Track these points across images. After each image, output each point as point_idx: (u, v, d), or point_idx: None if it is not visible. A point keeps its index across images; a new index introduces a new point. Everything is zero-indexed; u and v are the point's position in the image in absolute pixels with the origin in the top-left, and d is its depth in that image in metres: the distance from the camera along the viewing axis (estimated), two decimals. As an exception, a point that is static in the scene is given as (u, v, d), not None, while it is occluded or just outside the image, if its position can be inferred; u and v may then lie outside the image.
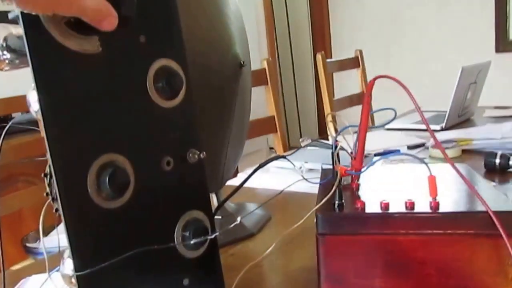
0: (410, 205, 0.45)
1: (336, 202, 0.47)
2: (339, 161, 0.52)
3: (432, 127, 1.42)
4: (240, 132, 0.77)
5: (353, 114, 1.96)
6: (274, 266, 0.63)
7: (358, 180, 0.52)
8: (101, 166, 0.38)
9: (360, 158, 0.51)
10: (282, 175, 1.02)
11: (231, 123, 0.72)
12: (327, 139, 1.38)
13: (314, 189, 0.88)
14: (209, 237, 0.43)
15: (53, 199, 0.39)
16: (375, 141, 1.37)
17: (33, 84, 0.35)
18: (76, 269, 0.37)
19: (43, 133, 0.36)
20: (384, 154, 1.19)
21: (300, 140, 1.17)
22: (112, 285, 0.39)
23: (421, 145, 1.25)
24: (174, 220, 0.44)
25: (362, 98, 1.86)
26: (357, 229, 0.45)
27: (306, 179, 0.55)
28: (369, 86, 0.47)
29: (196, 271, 0.45)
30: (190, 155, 0.44)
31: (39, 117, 0.37)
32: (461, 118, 1.49)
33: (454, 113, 1.40)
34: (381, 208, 0.45)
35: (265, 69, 1.32)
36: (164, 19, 0.42)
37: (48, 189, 0.39)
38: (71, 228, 0.37)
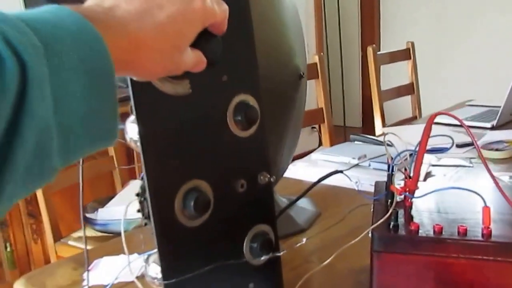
0: (463, 231, 0.48)
1: (392, 223, 0.51)
2: (392, 181, 0.56)
3: (483, 124, 1.40)
4: (295, 134, 0.81)
5: (401, 104, 1.96)
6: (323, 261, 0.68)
7: (411, 199, 0.56)
8: (187, 191, 0.43)
9: (416, 180, 0.54)
10: (329, 169, 1.06)
11: (288, 128, 0.76)
12: (373, 133, 1.40)
13: (361, 186, 0.92)
14: (278, 254, 0.49)
15: (145, 217, 0.45)
16: (418, 134, 1.37)
17: (133, 117, 0.41)
18: (164, 277, 0.43)
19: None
20: (432, 151, 1.20)
21: (351, 136, 1.20)
22: (191, 290, 0.45)
23: (470, 144, 1.25)
24: (244, 233, 0.49)
25: (412, 91, 1.84)
26: (410, 249, 0.49)
27: (361, 193, 0.59)
28: (430, 119, 0.50)
29: (260, 277, 0.51)
30: (261, 177, 0.49)
31: (132, 145, 0.43)
32: (514, 116, 1.46)
33: (507, 111, 1.38)
34: (434, 232, 0.49)
35: (316, 63, 1.34)
36: (243, 58, 0.46)
37: (139, 206, 0.46)
38: (160, 242, 0.43)
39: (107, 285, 0.62)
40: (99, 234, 1.20)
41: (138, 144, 0.42)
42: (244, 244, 0.49)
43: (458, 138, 1.33)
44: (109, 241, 0.82)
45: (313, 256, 0.70)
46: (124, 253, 0.73)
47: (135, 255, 0.71)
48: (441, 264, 0.48)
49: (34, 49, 0.25)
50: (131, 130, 0.43)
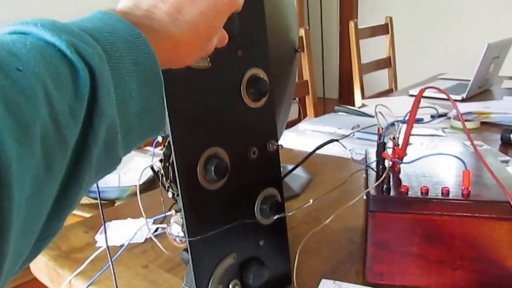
0: (446, 192, 0.55)
1: (385, 186, 0.57)
2: (384, 149, 0.62)
3: (454, 97, 1.49)
4: (288, 105, 0.86)
5: (378, 77, 2.02)
6: (317, 222, 0.74)
7: (400, 164, 0.62)
8: (208, 157, 0.48)
9: (405, 147, 0.61)
10: (317, 138, 1.12)
11: (284, 99, 0.81)
12: (352, 104, 1.47)
13: (347, 154, 0.98)
14: (287, 214, 0.54)
15: (169, 181, 0.49)
16: (398, 106, 1.45)
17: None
18: (189, 235, 0.48)
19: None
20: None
21: (336, 107, 1.26)
22: (211, 248, 0.50)
23: (444, 115, 1.33)
24: (255, 196, 0.54)
25: (389, 64, 1.90)
26: (401, 209, 0.56)
27: (355, 160, 0.65)
28: (420, 92, 0.56)
29: (269, 235, 0.57)
30: (270, 145, 0.54)
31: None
32: (481, 89, 1.56)
33: (475, 85, 1.47)
34: (421, 193, 0.56)
35: (302, 37, 1.38)
36: (256, 33, 0.50)
37: (162, 171, 0.50)
38: (186, 204, 0.48)
39: (122, 245, 0.66)
40: (93, 201, 1.24)
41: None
42: (255, 206, 0.54)
43: (431, 110, 1.42)
44: (112, 208, 0.86)
45: (308, 217, 0.77)
46: (130, 217, 0.77)
47: (141, 219, 0.76)
48: (427, 221, 0.55)
49: (100, 58, 0.28)
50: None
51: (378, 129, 0.62)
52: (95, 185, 0.35)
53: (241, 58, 0.50)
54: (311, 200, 0.53)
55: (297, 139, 1.08)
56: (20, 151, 0.23)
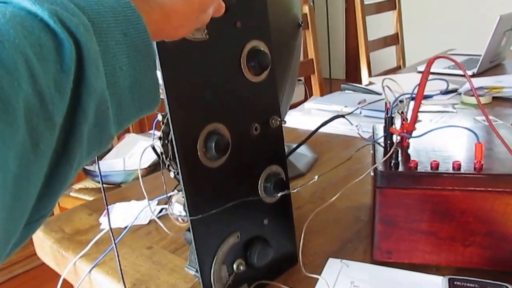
0: (457, 166, 0.53)
1: (393, 161, 0.55)
2: (392, 123, 0.60)
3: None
4: (293, 80, 0.84)
5: (385, 55, 1.98)
6: (323, 201, 0.73)
7: (408, 139, 0.60)
8: (208, 133, 0.46)
9: (414, 121, 0.59)
10: (322, 117, 1.10)
11: (287, 76, 0.79)
12: (358, 82, 1.44)
13: (353, 132, 0.97)
14: (291, 191, 0.53)
15: (169, 159, 0.48)
16: (406, 82, 1.42)
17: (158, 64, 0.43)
18: (190, 214, 0.47)
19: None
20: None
21: (342, 86, 1.23)
22: (213, 226, 0.49)
23: (454, 91, 1.30)
24: (258, 173, 0.53)
25: (397, 41, 1.86)
26: (410, 184, 0.54)
27: (362, 137, 0.63)
28: (429, 63, 0.53)
29: (273, 213, 0.55)
30: (273, 121, 0.52)
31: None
32: (493, 64, 1.52)
33: (487, 60, 1.43)
34: (431, 167, 0.54)
35: (306, 14, 1.35)
36: (255, 5, 0.48)
37: (162, 149, 0.49)
38: (186, 182, 0.46)
39: (126, 227, 0.65)
40: (99, 185, 1.23)
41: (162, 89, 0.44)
42: (259, 183, 0.53)
43: (442, 85, 1.39)
44: (115, 190, 0.85)
45: (314, 197, 0.75)
46: (134, 200, 0.76)
47: (145, 201, 0.75)
48: (437, 196, 0.54)
49: (85, 28, 0.26)
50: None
51: (386, 104, 0.60)
52: (98, 169, 0.34)
53: (240, 30, 0.47)
54: (316, 177, 0.51)
55: (302, 118, 1.06)
56: (1, 127, 0.21)
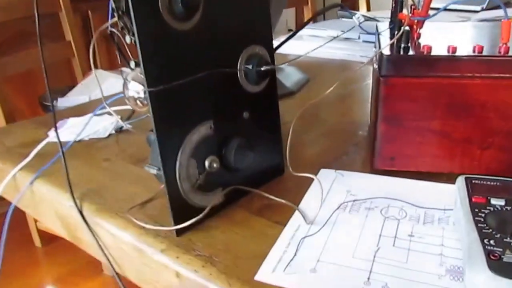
0: (479, 49, 0.44)
1: (403, 45, 0.45)
2: (402, 9, 0.50)
3: (472, 7, 1.34)
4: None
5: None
6: (316, 118, 0.63)
7: (420, 29, 0.50)
8: (173, -19, 0.36)
9: (426, 9, 0.49)
10: (316, 43, 0.99)
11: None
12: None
13: (351, 57, 0.87)
14: (271, 67, 0.43)
15: (120, 15, 0.37)
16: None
17: None
18: (148, 85, 0.36)
19: None
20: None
21: (339, 12, 1.13)
22: (178, 105, 0.39)
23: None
24: (238, 52, 0.43)
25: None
26: (423, 71, 0.44)
27: (362, 28, 0.53)
28: None
29: (255, 106, 0.45)
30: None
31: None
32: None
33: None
34: (449, 51, 0.44)
35: None
36: None
37: (113, 4, 0.38)
38: (143, 44, 0.36)
39: (75, 138, 0.55)
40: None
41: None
42: (238, 64, 0.43)
43: (450, 19, 1.26)
44: (73, 107, 0.73)
45: (305, 113, 0.65)
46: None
47: (105, 116, 0.64)
48: (454, 86, 0.44)
49: None
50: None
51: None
52: (60, 104, 0.23)
53: None
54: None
55: (294, 43, 0.95)
56: None
